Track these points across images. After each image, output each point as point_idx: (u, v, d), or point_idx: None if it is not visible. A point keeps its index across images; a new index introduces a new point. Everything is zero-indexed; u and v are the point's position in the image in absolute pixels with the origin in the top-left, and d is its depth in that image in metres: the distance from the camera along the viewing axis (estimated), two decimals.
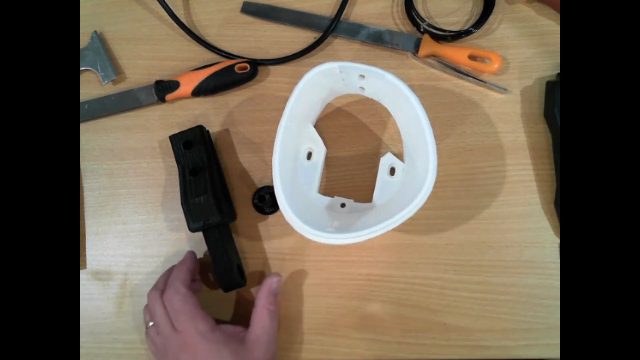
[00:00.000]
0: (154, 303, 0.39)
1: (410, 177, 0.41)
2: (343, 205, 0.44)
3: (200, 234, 0.43)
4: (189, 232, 0.42)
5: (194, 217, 0.41)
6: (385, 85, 0.38)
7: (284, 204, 0.37)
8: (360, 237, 0.35)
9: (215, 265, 0.42)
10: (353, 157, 0.45)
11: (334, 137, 0.46)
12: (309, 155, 0.44)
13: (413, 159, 0.41)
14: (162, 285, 0.40)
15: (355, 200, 0.44)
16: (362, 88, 0.42)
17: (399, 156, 0.44)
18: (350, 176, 0.45)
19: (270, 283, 0.41)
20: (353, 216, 0.42)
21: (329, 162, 0.45)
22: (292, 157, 0.43)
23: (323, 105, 0.45)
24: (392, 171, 0.43)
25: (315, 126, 0.45)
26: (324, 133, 0.46)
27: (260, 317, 0.39)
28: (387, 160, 0.43)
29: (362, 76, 0.39)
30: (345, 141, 0.46)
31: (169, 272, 0.42)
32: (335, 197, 0.44)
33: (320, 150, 0.44)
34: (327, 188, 0.45)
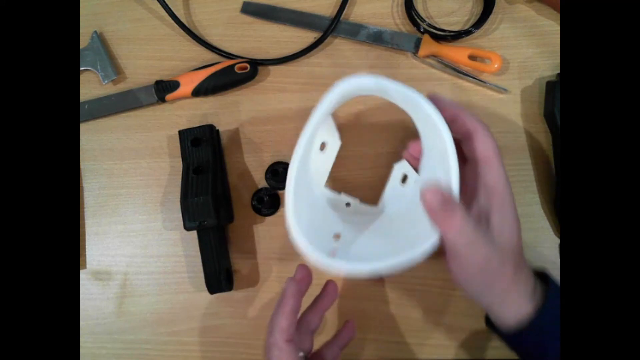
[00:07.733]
0: (267, 338, 0.34)
1: None
2: (348, 204, 0.43)
3: None
4: (188, 232, 0.42)
5: (191, 216, 0.41)
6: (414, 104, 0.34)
7: (299, 238, 0.33)
8: (375, 267, 0.32)
9: (204, 267, 0.42)
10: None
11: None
12: (322, 146, 0.43)
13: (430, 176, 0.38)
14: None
15: (361, 201, 0.43)
16: None
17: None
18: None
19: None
20: (357, 220, 0.41)
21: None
22: (307, 154, 0.38)
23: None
24: (404, 179, 0.42)
25: (333, 117, 0.43)
26: (340, 126, 0.44)
27: None
28: (400, 167, 0.42)
29: None
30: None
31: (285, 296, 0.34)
32: (342, 195, 0.43)
33: (335, 143, 0.43)
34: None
